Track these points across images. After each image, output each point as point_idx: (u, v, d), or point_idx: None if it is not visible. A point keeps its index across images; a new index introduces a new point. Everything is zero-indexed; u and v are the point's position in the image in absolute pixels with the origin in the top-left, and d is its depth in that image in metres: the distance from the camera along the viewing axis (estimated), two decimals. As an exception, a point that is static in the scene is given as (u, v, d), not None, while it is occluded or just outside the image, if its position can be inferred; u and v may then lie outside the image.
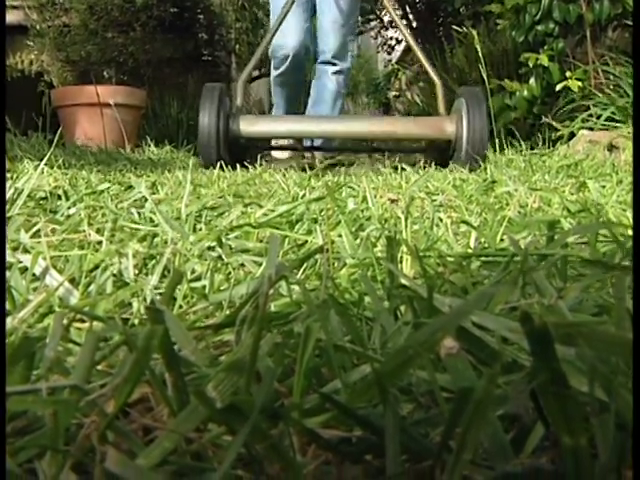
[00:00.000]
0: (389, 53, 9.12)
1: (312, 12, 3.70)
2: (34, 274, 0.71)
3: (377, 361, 0.42)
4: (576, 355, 0.37)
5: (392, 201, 1.40)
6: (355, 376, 0.43)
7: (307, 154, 3.71)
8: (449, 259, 0.73)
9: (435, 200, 1.39)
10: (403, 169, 2.27)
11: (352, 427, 0.38)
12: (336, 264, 0.79)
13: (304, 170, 2.33)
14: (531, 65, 3.90)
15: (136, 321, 0.61)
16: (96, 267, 0.75)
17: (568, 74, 3.74)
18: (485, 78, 3.43)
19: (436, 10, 6.96)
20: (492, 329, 0.45)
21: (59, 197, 1.32)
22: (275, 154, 3.80)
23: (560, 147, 3.17)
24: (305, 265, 0.77)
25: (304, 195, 1.45)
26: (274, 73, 3.74)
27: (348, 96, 8.84)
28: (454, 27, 5.06)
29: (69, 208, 1.16)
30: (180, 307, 0.65)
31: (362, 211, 1.23)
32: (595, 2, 3.83)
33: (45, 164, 1.48)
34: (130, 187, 1.53)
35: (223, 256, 0.82)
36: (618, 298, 0.46)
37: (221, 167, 2.47)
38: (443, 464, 0.33)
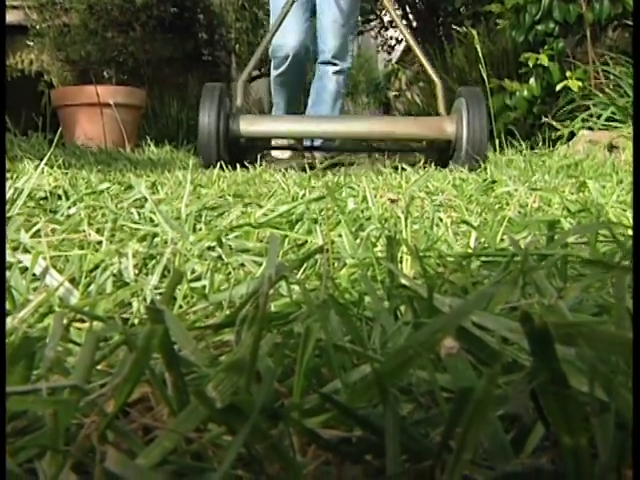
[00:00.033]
0: (389, 53, 9.12)
1: (312, 12, 3.70)
2: (34, 274, 0.71)
3: (377, 361, 0.42)
4: (576, 355, 0.37)
5: (392, 201, 1.40)
6: (355, 376, 0.43)
7: (307, 154, 3.70)
8: (449, 259, 0.73)
9: (435, 200, 1.39)
10: (403, 169, 2.27)
11: (352, 427, 0.38)
12: (336, 264, 0.79)
13: (304, 170, 2.33)
14: (531, 65, 3.90)
15: (136, 321, 0.61)
16: (96, 267, 0.75)
17: (568, 74, 3.74)
18: (485, 78, 3.43)
19: (436, 10, 6.96)
20: (492, 329, 0.45)
21: (59, 197, 1.32)
22: (275, 154, 3.79)
23: (560, 147, 3.17)
24: (305, 265, 0.77)
25: (304, 195, 1.45)
26: (274, 73, 3.74)
27: (348, 96, 8.84)
28: (454, 27, 5.06)
29: (69, 208, 1.16)
30: (180, 307, 0.65)
31: (362, 211, 1.23)
32: (595, 2, 3.83)
33: (45, 164, 1.48)
34: (130, 187, 1.53)
35: (223, 256, 0.82)
36: (618, 298, 0.46)
37: (221, 167, 2.46)
38: (443, 464, 0.33)
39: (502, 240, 0.92)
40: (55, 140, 2.31)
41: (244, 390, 0.38)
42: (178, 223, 1.00)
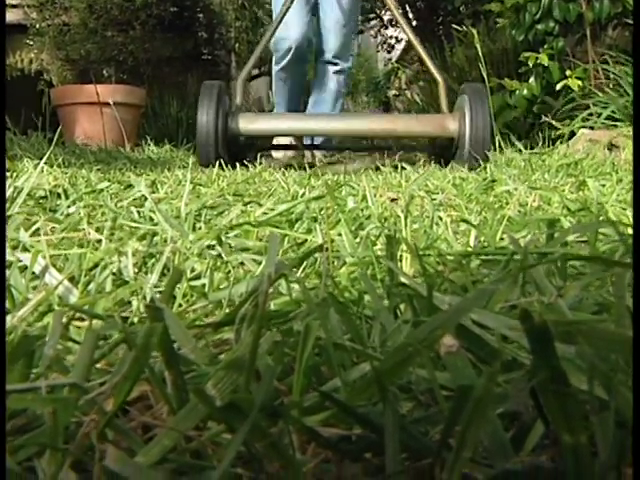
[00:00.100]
0: (389, 52, 9.12)
1: (313, 6, 3.66)
2: (34, 273, 0.71)
3: (377, 359, 0.42)
4: (576, 353, 0.37)
5: (392, 200, 1.40)
6: (355, 374, 0.43)
7: (307, 153, 3.69)
8: (449, 258, 0.73)
9: (435, 199, 1.39)
10: (403, 168, 2.27)
11: (352, 425, 0.38)
12: (336, 263, 0.79)
13: (304, 169, 2.33)
14: (531, 65, 3.90)
15: (135, 319, 0.61)
16: (95, 266, 0.75)
17: (568, 73, 3.74)
18: (485, 77, 3.43)
19: (436, 9, 6.96)
20: (492, 327, 0.45)
21: (59, 196, 1.32)
22: (276, 156, 3.73)
23: (560, 146, 3.17)
24: (305, 264, 0.77)
25: (304, 194, 1.45)
26: (276, 68, 3.68)
27: (348, 95, 8.83)
28: (454, 26, 5.05)
29: (69, 207, 1.16)
30: (180, 305, 0.65)
31: (362, 210, 1.23)
32: (595, 1, 3.83)
33: (45, 163, 1.48)
34: (130, 186, 1.53)
35: (223, 255, 0.82)
36: (618, 296, 0.46)
37: (221, 166, 2.46)
38: (443, 462, 0.33)
39: (502, 239, 0.92)
40: (55, 139, 2.31)
41: (244, 388, 0.38)
42: (178, 222, 1.00)
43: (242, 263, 0.80)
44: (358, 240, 0.89)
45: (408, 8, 7.01)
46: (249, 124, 2.86)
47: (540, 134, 3.58)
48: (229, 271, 0.78)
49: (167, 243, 0.87)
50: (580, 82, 3.65)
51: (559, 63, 3.92)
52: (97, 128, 4.36)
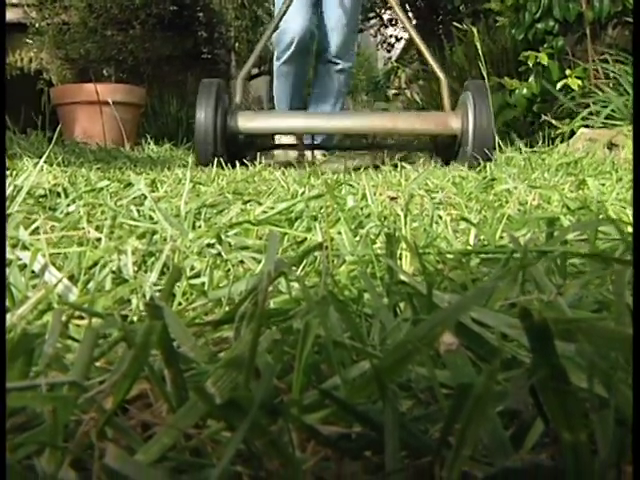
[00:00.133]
0: (389, 51, 9.11)
1: (316, 1, 3.62)
2: (33, 271, 0.71)
3: (376, 357, 0.42)
4: (576, 351, 0.37)
5: (391, 198, 1.40)
6: (354, 372, 0.43)
7: (307, 152, 3.68)
8: (448, 256, 0.73)
9: (434, 198, 1.39)
10: (403, 167, 2.27)
11: (351, 423, 0.38)
12: (335, 261, 0.79)
13: (304, 167, 2.33)
14: (530, 64, 3.90)
15: (135, 318, 0.61)
16: (95, 264, 0.75)
17: (568, 72, 3.74)
18: (485, 76, 3.43)
19: (436, 8, 6.96)
20: (491, 325, 0.45)
21: (58, 194, 1.32)
22: (277, 155, 3.69)
23: (560, 145, 3.17)
24: (304, 262, 0.77)
25: (303, 193, 1.45)
26: (277, 64, 3.62)
27: (348, 94, 8.84)
28: (454, 24, 5.05)
29: (68, 205, 1.16)
30: (179, 304, 0.65)
31: (361, 209, 1.23)
32: (595, 0, 3.83)
33: (44, 162, 1.48)
34: (129, 185, 1.53)
35: (222, 253, 0.82)
36: (618, 294, 0.46)
37: (220, 165, 2.45)
38: (442, 460, 0.33)
39: (502, 237, 0.92)
40: (54, 138, 2.31)
41: (243, 386, 0.38)
42: (177, 220, 1.00)
43: (242, 261, 0.80)
44: (358, 238, 0.89)
45: (408, 7, 7.01)
46: (248, 122, 2.84)
47: (540, 133, 3.58)
48: (229, 269, 0.78)
49: (167, 241, 0.87)
50: (580, 81, 3.65)
51: (559, 62, 3.92)
52: (97, 127, 4.36)
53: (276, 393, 0.41)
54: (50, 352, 0.45)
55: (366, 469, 0.36)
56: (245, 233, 0.96)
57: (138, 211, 1.11)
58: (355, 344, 0.47)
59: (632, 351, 0.35)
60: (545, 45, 3.99)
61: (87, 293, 0.67)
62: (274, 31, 3.20)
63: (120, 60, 5.46)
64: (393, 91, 8.74)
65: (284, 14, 3.08)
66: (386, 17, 8.07)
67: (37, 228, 0.92)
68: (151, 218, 1.06)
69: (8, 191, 1.16)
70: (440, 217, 1.10)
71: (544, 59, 3.83)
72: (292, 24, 3.39)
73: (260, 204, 1.23)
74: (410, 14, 7.06)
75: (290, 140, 3.61)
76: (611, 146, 2.90)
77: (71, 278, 0.71)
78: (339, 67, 3.72)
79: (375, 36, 9.01)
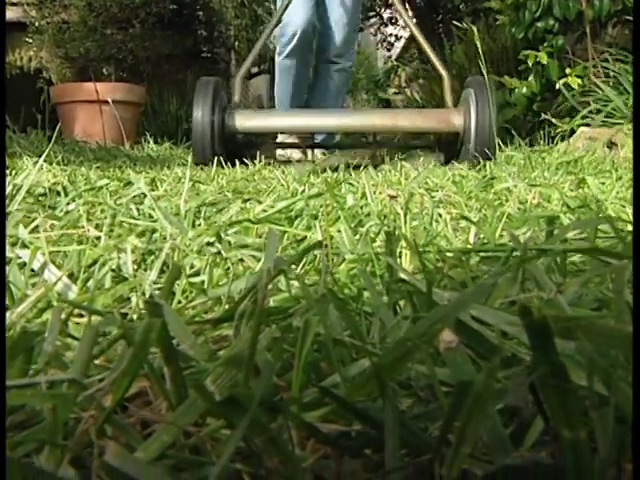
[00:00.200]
0: (389, 50, 9.11)
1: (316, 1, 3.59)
2: (33, 269, 0.71)
3: (376, 355, 0.42)
4: (576, 349, 0.37)
5: (391, 197, 1.40)
6: (354, 370, 0.43)
7: (307, 151, 3.66)
8: (448, 254, 0.73)
9: (434, 196, 1.39)
10: (402, 165, 2.27)
11: (351, 421, 0.38)
12: (335, 259, 0.79)
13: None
14: (530, 64, 3.90)
15: (135, 316, 0.61)
16: (95, 262, 0.75)
17: (568, 71, 3.74)
18: (485, 75, 3.42)
19: (435, 7, 6.96)
20: (491, 323, 0.45)
21: (58, 193, 1.32)
22: (280, 154, 3.64)
23: (560, 144, 3.17)
24: (304, 260, 0.77)
25: (303, 191, 1.45)
26: (280, 58, 3.57)
27: (348, 93, 8.83)
28: (454, 22, 5.05)
29: (68, 204, 1.16)
30: (179, 302, 0.65)
31: (361, 207, 1.23)
32: (595, -2, 3.83)
33: (44, 160, 1.48)
34: (129, 183, 1.53)
35: (222, 251, 0.82)
36: (617, 292, 0.46)
37: (220, 163, 2.45)
38: (442, 458, 0.33)
39: (501, 236, 0.92)
40: (54, 137, 2.31)
41: (243, 384, 0.38)
42: (177, 219, 1.00)
43: (241, 260, 0.80)
44: (357, 237, 0.89)
45: (408, 6, 7.01)
46: (247, 121, 2.81)
47: (540, 132, 3.58)
48: (228, 268, 0.78)
49: (166, 240, 0.87)
50: (580, 80, 3.65)
51: (559, 61, 3.91)
52: (96, 126, 4.36)
53: (276, 391, 0.41)
54: (49, 350, 0.45)
55: (366, 467, 0.36)
56: (245, 231, 0.96)
57: (138, 210, 1.11)
58: (355, 342, 0.47)
59: (632, 349, 0.35)
60: (545, 44, 3.99)
61: (87, 291, 0.67)
62: (276, 26, 3.17)
63: (120, 59, 5.47)
64: (393, 90, 8.74)
65: (286, 7, 3.06)
66: (386, 16, 8.07)
67: (37, 226, 0.91)
68: (151, 216, 1.06)
69: (8, 190, 1.16)
70: (440, 215, 1.10)
71: (544, 58, 3.83)
72: (295, 17, 3.35)
73: (260, 202, 1.23)
74: (410, 13, 7.06)
75: (291, 139, 3.60)
76: (611, 145, 2.90)
77: (71, 276, 0.71)
78: (339, 66, 3.71)
79: (375, 35, 9.01)
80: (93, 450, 0.35)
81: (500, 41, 4.42)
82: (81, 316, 0.59)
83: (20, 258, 0.74)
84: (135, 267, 0.76)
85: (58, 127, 2.53)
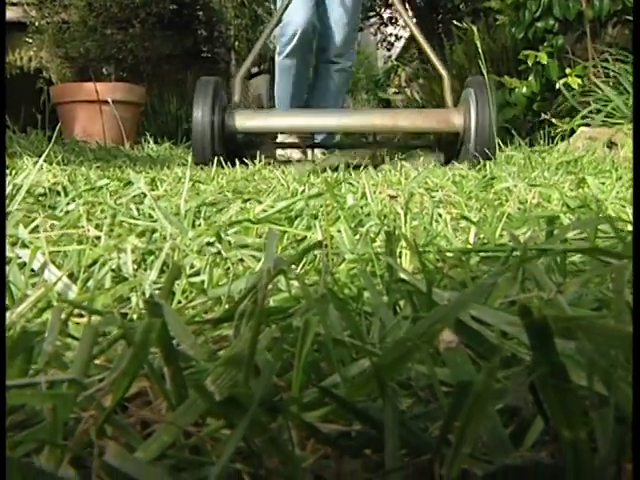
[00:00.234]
0: (389, 49, 9.11)
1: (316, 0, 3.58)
2: (33, 269, 0.71)
3: (376, 355, 0.42)
4: (575, 349, 0.37)
5: (391, 197, 1.40)
6: (354, 370, 0.43)
7: (307, 151, 3.66)
8: (448, 254, 0.73)
9: (434, 196, 1.39)
10: (402, 165, 2.27)
11: (351, 421, 0.38)
12: (335, 259, 0.79)
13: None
14: (530, 64, 3.89)
15: (135, 316, 0.61)
16: (95, 262, 0.75)
17: (568, 71, 3.74)
18: (485, 74, 3.42)
19: (435, 7, 6.96)
20: (491, 323, 0.45)
21: (58, 193, 1.32)
22: (280, 155, 3.64)
23: (560, 144, 3.17)
24: (304, 260, 0.77)
25: (303, 191, 1.45)
26: (280, 58, 3.56)
27: (347, 93, 8.83)
28: (454, 22, 5.05)
29: (68, 204, 1.16)
30: (179, 302, 0.65)
31: (361, 207, 1.22)
32: (595, -2, 3.83)
33: (44, 160, 1.48)
34: (129, 183, 1.53)
35: (222, 251, 0.82)
36: (617, 292, 0.46)
37: (220, 163, 2.45)
38: (442, 458, 0.33)
39: (501, 236, 0.92)
40: (54, 137, 2.31)
41: (243, 384, 0.38)
42: (177, 219, 1.00)
43: (241, 260, 0.80)
44: (357, 237, 0.89)
45: (408, 6, 7.01)
46: (247, 121, 2.81)
47: (540, 132, 3.58)
48: (228, 268, 0.78)
49: (166, 240, 0.87)
50: (580, 80, 3.65)
51: (559, 61, 3.91)
52: (96, 126, 4.36)
53: (276, 391, 0.41)
54: (49, 350, 0.45)
55: (366, 467, 0.36)
56: (245, 231, 0.96)
57: (138, 209, 1.11)
58: (355, 342, 0.47)
59: (632, 349, 0.35)
60: (545, 44, 3.99)
61: (87, 291, 0.67)
62: (276, 25, 3.16)
63: (120, 59, 5.47)
64: (393, 90, 8.74)
65: (286, 7, 3.06)
66: (386, 16, 8.07)
67: (37, 226, 0.92)
68: (151, 216, 1.06)
69: (8, 190, 1.16)
70: (440, 215, 1.10)
71: (544, 58, 3.83)
72: (295, 17, 3.35)
73: (260, 202, 1.23)
74: (410, 12, 7.07)
75: (291, 139, 3.59)
76: (611, 145, 2.90)
77: (70, 276, 0.71)
78: (339, 66, 3.71)
79: (375, 35, 9.01)
80: (93, 450, 0.35)
81: (500, 41, 4.43)
82: (81, 316, 0.59)
83: (20, 258, 0.74)
84: (135, 267, 0.76)
85: (58, 127, 2.53)
